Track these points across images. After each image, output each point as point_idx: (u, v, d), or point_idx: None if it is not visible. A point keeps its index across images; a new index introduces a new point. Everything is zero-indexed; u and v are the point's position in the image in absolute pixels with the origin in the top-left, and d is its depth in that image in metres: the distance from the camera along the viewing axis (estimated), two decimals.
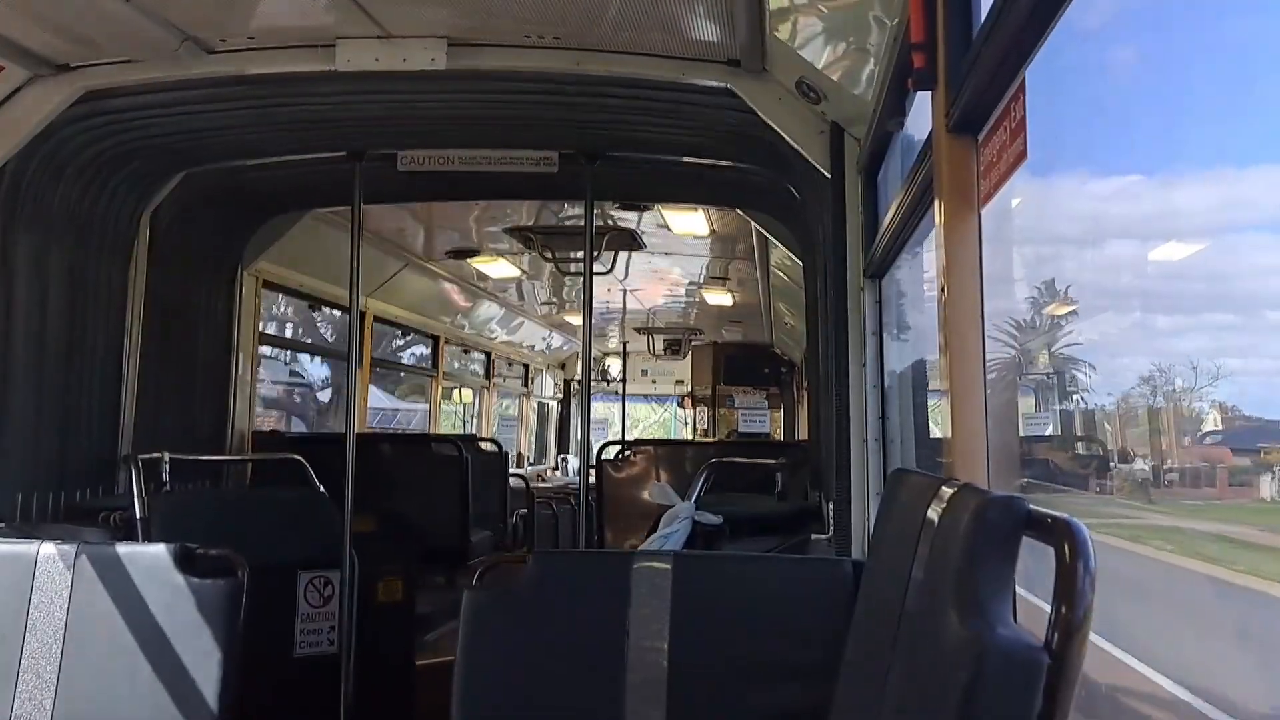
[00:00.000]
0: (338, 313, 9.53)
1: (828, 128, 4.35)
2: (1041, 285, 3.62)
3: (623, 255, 9.49)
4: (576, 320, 12.79)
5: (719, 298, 12.23)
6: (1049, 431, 4.13)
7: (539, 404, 16.55)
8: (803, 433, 12.95)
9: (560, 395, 17.29)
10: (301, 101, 4.95)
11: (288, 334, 10.18)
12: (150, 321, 5.85)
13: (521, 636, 3.34)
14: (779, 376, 15.77)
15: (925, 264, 3.76)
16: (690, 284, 11.75)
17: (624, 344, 15.76)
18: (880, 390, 4.22)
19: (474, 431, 13.21)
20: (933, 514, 1.97)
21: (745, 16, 3.96)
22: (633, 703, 3.20)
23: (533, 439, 16.32)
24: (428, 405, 12.43)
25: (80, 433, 5.37)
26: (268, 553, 4.51)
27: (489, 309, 12.81)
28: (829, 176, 4.34)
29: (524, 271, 10.76)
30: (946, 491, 1.97)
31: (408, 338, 11.86)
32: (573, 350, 16.23)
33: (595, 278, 6.59)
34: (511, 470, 9.86)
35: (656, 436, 17.89)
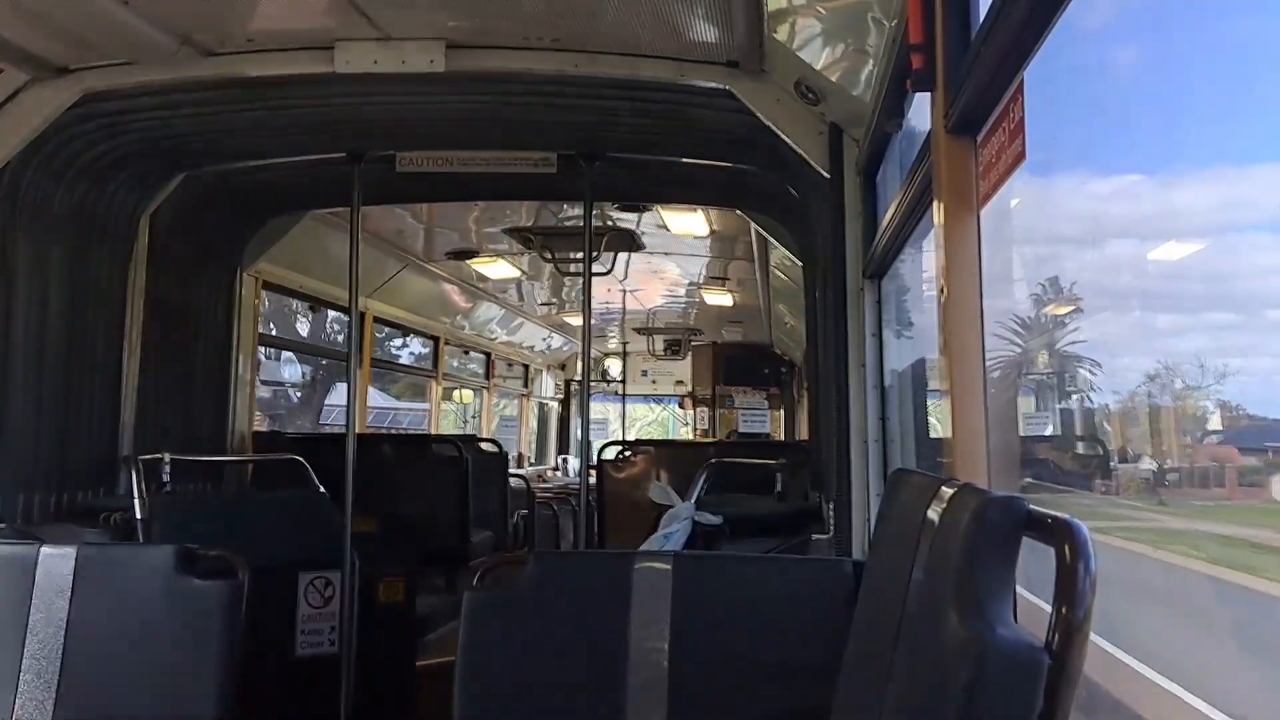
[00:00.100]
0: (331, 312, 9.53)
1: (827, 129, 4.35)
2: (1045, 282, 3.62)
3: (622, 256, 9.49)
4: (576, 321, 12.80)
5: (719, 298, 12.22)
6: (1049, 431, 4.13)
7: (539, 404, 16.55)
8: (803, 433, 12.94)
9: (560, 396, 17.30)
10: (301, 103, 4.95)
11: (273, 331, 10.17)
12: (150, 323, 5.86)
13: (522, 637, 3.34)
14: (779, 377, 15.77)
15: (925, 264, 3.77)
16: (690, 284, 11.75)
17: (624, 344, 15.77)
18: (880, 390, 4.23)
19: (474, 432, 13.22)
20: (933, 514, 1.97)
21: (744, 18, 3.96)
22: (633, 703, 3.20)
23: (533, 439, 16.33)
24: (428, 406, 12.44)
25: (80, 433, 5.37)
26: (268, 553, 4.52)
27: (489, 310, 12.81)
28: (828, 177, 4.34)
29: (524, 272, 10.76)
30: (947, 492, 1.97)
31: (407, 338, 11.88)
32: (573, 351, 16.23)
33: (595, 278, 6.60)
34: (512, 471, 9.86)
35: (654, 436, 17.90)
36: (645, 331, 15.40)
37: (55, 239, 5.10)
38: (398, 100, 4.93)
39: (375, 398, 12.88)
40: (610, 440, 10.82)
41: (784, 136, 4.43)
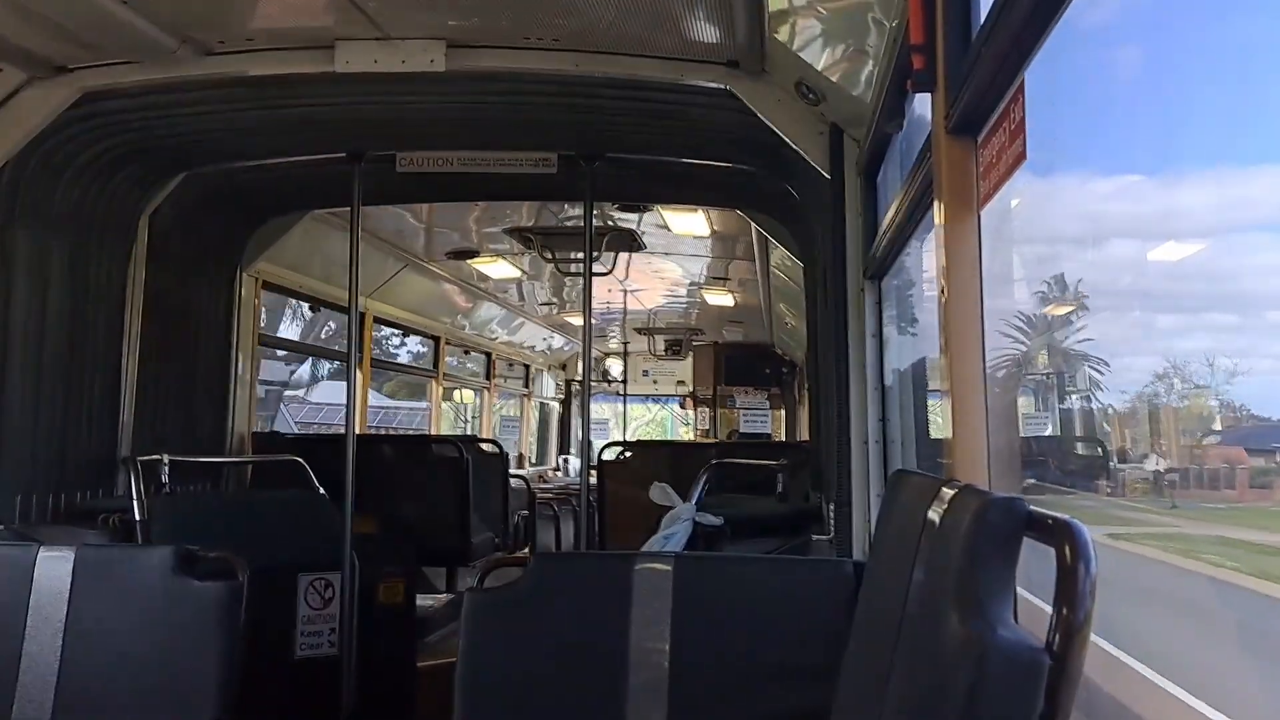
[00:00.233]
0: (326, 310, 9.51)
1: (827, 129, 4.35)
2: (1050, 280, 3.61)
3: (623, 256, 9.49)
4: (577, 321, 12.80)
5: (719, 298, 12.22)
6: (1049, 431, 4.12)
7: (540, 405, 16.55)
8: (804, 433, 12.94)
9: (561, 396, 17.30)
10: (301, 103, 4.95)
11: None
12: (150, 322, 5.85)
13: (523, 638, 3.34)
14: (780, 377, 15.76)
15: (925, 264, 3.76)
16: (691, 284, 11.75)
17: (625, 344, 15.76)
18: (880, 391, 4.23)
19: (475, 432, 13.22)
20: (933, 515, 1.97)
21: (744, 18, 3.96)
22: (634, 704, 3.19)
23: (534, 440, 16.32)
24: (427, 405, 12.44)
25: (80, 434, 5.37)
26: (268, 555, 4.51)
27: (489, 310, 12.81)
28: (828, 177, 4.34)
29: (524, 272, 10.76)
30: (947, 492, 1.97)
31: (407, 338, 11.87)
32: (573, 351, 16.23)
33: (595, 278, 6.60)
34: (512, 471, 9.85)
35: (653, 436, 17.90)
36: (646, 331, 15.40)
37: (55, 238, 5.09)
38: (398, 100, 4.93)
39: (378, 398, 12.88)
40: (611, 441, 10.81)
41: (784, 137, 4.42)
